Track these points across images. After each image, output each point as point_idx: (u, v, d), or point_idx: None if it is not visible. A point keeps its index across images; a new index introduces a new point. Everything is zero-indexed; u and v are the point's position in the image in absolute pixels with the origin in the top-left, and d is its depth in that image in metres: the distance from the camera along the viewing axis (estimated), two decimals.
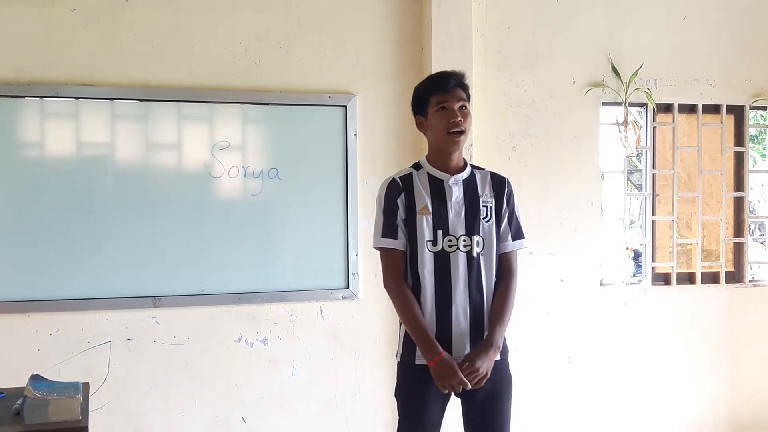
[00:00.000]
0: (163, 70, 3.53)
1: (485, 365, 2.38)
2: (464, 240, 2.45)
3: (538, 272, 3.95)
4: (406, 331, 2.47)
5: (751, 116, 4.39)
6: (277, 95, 3.66)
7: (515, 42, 3.96)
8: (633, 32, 4.11)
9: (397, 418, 2.53)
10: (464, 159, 2.55)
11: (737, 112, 4.35)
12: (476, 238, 2.46)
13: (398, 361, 2.53)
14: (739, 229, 4.38)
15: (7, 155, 3.36)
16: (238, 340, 3.65)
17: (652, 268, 4.27)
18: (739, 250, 4.39)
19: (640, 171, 4.51)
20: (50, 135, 3.46)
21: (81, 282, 3.43)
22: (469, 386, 2.37)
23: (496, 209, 2.51)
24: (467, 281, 2.44)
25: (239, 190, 3.63)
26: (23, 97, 3.38)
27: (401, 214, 2.46)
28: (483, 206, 2.49)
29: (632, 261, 5.33)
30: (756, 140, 6.72)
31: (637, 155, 4.26)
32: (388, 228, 2.46)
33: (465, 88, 2.49)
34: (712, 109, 4.29)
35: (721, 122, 4.30)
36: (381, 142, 3.79)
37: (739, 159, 4.39)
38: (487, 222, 2.49)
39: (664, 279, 4.28)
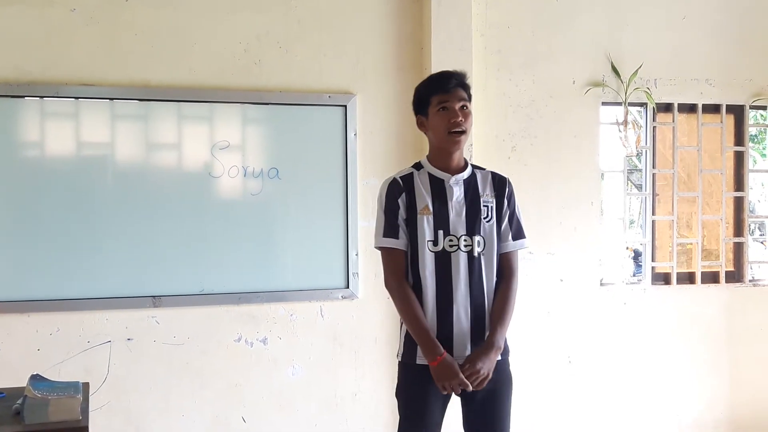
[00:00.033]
0: (163, 70, 3.53)
1: (486, 366, 2.38)
2: (465, 240, 2.45)
3: (538, 272, 3.95)
4: (407, 330, 2.46)
5: (751, 116, 4.39)
6: (277, 95, 3.66)
7: (515, 41, 3.96)
8: (633, 32, 4.11)
9: (398, 418, 2.53)
10: (465, 159, 2.55)
11: (737, 112, 4.35)
12: (477, 238, 2.46)
13: (399, 361, 2.53)
14: (739, 229, 4.39)
15: (7, 155, 3.36)
16: (238, 340, 3.65)
17: (652, 268, 4.27)
18: (739, 250, 4.39)
19: (640, 171, 4.51)
20: (50, 135, 3.46)
21: (81, 282, 3.43)
22: (470, 388, 2.37)
23: (496, 209, 2.51)
24: (468, 281, 2.44)
25: (239, 189, 3.63)
26: (23, 97, 3.38)
27: (402, 213, 2.46)
28: (484, 206, 2.49)
29: (632, 261, 5.34)
30: (756, 140, 6.72)
31: (637, 155, 4.26)
32: (389, 228, 2.46)
33: (466, 87, 2.49)
34: (712, 109, 4.29)
35: (721, 122, 4.30)
36: (381, 142, 3.79)
37: (739, 158, 4.39)
38: (488, 222, 2.48)
39: (664, 279, 4.28)
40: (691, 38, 4.20)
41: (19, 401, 2.26)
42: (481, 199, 2.49)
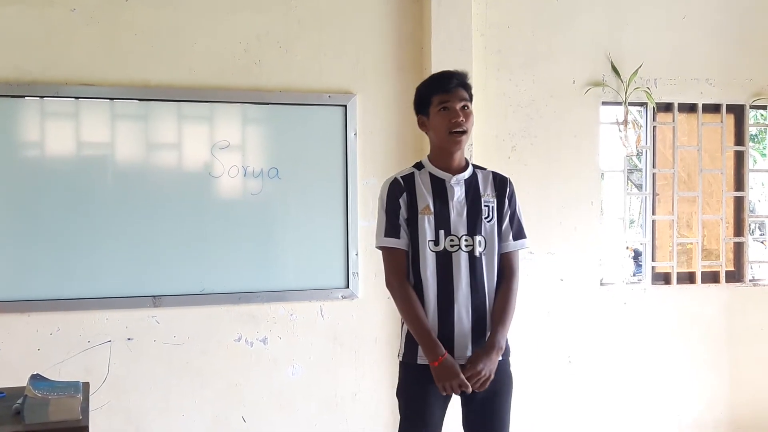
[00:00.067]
0: (163, 70, 3.53)
1: (488, 368, 2.38)
2: (466, 240, 2.45)
3: (538, 272, 3.95)
4: (408, 330, 2.46)
5: (751, 115, 4.39)
6: (277, 95, 3.66)
7: (515, 41, 3.96)
8: (633, 32, 4.11)
9: (398, 417, 2.53)
10: (466, 159, 2.55)
11: (737, 112, 4.35)
12: (478, 238, 2.45)
13: (400, 361, 2.53)
14: (739, 229, 4.39)
15: (7, 155, 3.36)
16: (238, 340, 3.65)
17: (652, 268, 4.27)
18: (739, 250, 4.39)
19: (640, 170, 4.51)
20: (50, 135, 3.46)
21: (81, 281, 3.43)
22: (470, 390, 2.37)
23: (497, 209, 2.51)
24: (469, 281, 2.43)
25: (239, 189, 3.63)
26: (23, 97, 3.38)
27: (403, 213, 2.45)
28: (485, 206, 2.49)
29: (632, 260, 5.34)
30: (756, 139, 6.72)
31: (637, 154, 4.26)
32: (390, 227, 2.46)
33: (467, 87, 2.49)
34: (712, 109, 4.29)
35: (721, 121, 4.30)
36: (381, 142, 3.79)
37: (739, 158, 4.39)
38: (489, 222, 2.48)
39: (664, 278, 4.28)
40: (691, 38, 4.20)
41: (20, 401, 2.26)
42: (482, 199, 2.49)
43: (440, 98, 2.44)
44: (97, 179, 3.47)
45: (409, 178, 2.49)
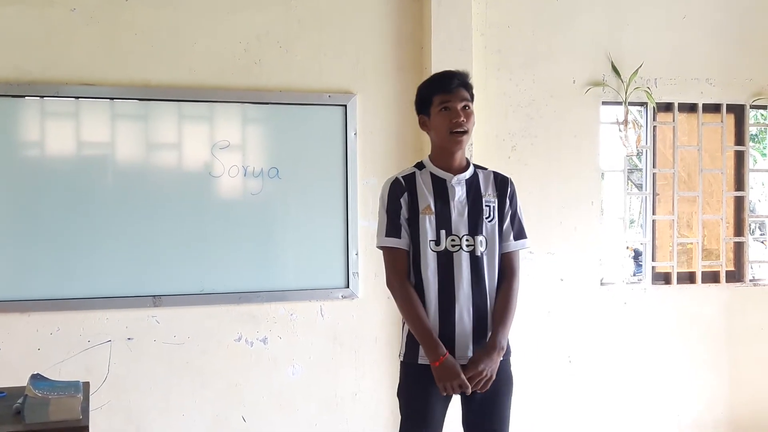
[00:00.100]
0: (163, 70, 3.53)
1: (490, 368, 2.38)
2: (467, 240, 2.45)
3: (538, 272, 3.95)
4: (409, 330, 2.46)
5: (752, 115, 4.39)
6: (277, 95, 3.66)
7: (515, 41, 3.96)
8: (633, 31, 4.11)
9: (398, 417, 2.53)
10: (467, 158, 2.55)
11: (737, 111, 4.35)
12: (479, 238, 2.45)
13: (401, 361, 2.52)
14: (739, 229, 4.39)
15: (7, 155, 3.36)
16: (238, 340, 3.65)
17: (653, 268, 4.27)
18: (739, 250, 4.39)
19: (641, 170, 4.51)
20: (50, 135, 3.46)
21: (81, 281, 3.43)
22: (469, 390, 2.36)
23: (498, 209, 2.51)
24: (471, 281, 2.43)
25: (239, 189, 3.63)
26: (23, 97, 3.38)
27: (404, 213, 2.45)
28: (486, 206, 2.48)
29: (632, 260, 5.34)
30: (756, 139, 6.71)
31: (638, 154, 4.26)
32: (391, 227, 2.46)
33: (468, 87, 2.49)
34: (713, 108, 4.29)
35: (722, 121, 4.30)
36: (381, 142, 3.79)
37: (740, 158, 4.39)
38: (490, 222, 2.48)
39: (664, 278, 4.28)
40: (691, 38, 4.20)
41: (20, 401, 2.26)
42: (483, 199, 2.49)
43: (441, 98, 2.44)
44: (97, 179, 3.47)
45: (410, 178, 2.49)
